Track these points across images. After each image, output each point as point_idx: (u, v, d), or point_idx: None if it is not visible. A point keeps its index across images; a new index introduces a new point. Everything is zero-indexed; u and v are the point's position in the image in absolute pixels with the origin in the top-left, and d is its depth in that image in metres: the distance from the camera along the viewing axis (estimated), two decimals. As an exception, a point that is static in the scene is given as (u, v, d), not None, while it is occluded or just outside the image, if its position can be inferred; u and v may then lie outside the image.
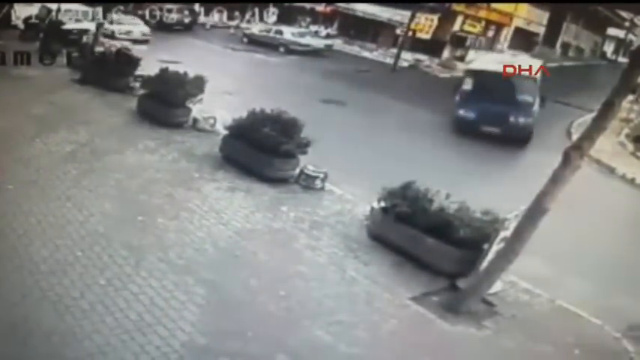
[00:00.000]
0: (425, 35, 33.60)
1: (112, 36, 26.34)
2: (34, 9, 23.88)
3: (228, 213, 9.80)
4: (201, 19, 37.97)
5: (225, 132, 12.39)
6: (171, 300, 7.31)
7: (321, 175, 11.34)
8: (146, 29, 29.07)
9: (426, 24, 33.89)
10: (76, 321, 6.76)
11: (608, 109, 7.56)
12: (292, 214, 10.09)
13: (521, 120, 17.01)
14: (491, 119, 17.02)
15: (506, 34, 40.65)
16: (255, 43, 33.03)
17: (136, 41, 25.91)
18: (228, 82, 19.68)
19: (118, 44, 21.06)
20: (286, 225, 9.68)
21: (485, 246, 8.09)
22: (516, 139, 16.99)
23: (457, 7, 34.57)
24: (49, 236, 8.38)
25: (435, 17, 33.83)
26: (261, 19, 40.24)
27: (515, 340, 7.52)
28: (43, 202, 9.31)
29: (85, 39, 20.32)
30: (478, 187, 11.51)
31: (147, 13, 33.10)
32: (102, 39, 20.96)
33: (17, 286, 7.21)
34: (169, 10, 33.88)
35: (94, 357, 6.30)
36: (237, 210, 9.97)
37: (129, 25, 28.77)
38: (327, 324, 7.23)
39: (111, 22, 28.20)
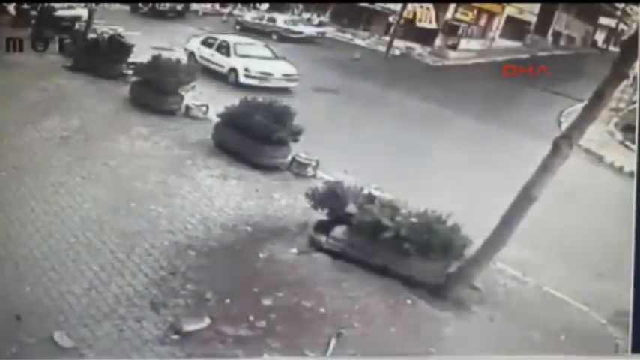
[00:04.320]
0: (426, 24, 33.45)
1: (230, 79, 14.26)
2: (26, -5, 23.64)
3: (221, 200, 9.85)
4: (194, 6, 37.67)
5: (217, 119, 12.41)
6: (164, 287, 7.39)
7: (313, 163, 11.40)
8: (290, 68, 15.41)
9: (422, 12, 33.76)
10: (69, 307, 6.83)
11: (598, 99, 7.63)
12: (284, 201, 10.16)
13: None
14: None
15: (498, 22, 40.56)
16: (248, 30, 32.78)
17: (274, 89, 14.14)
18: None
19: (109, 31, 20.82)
20: (278, 212, 9.75)
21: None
22: None
23: (449, -6, 34.44)
24: (43, 222, 8.41)
25: (431, 5, 33.73)
26: (254, 6, 39.95)
27: (503, 325, 7.65)
28: (37, 189, 9.32)
29: (77, 25, 20.19)
30: (468, 171, 11.57)
31: (140, 0, 32.80)
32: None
33: (11, 272, 7.27)
34: (162, -3, 33.58)
35: (87, 342, 6.38)
36: (230, 197, 10.02)
37: (263, 61, 15.17)
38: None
39: (224, 51, 15.22)
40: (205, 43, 15.85)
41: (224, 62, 14.70)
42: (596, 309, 8.19)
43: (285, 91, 14.18)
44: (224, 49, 15.25)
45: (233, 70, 14.37)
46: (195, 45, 16.01)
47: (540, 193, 7.67)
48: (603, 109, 8.06)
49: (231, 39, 15.93)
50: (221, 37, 15.91)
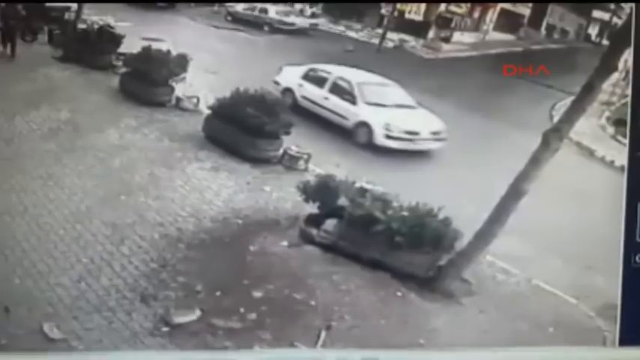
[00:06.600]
0: (414, 16, 33.39)
1: (358, 138, 10.37)
2: (15, -16, 23.43)
3: (211, 193, 9.83)
4: (186, -5, 37.51)
5: (208, 111, 12.37)
6: (154, 279, 7.39)
7: (305, 156, 11.37)
8: (437, 123, 11.05)
9: (413, 4, 33.69)
10: (59, 299, 6.82)
11: (588, 92, 7.64)
12: (275, 194, 10.15)
13: None
14: None
15: (492, 15, 40.54)
16: (239, 21, 32.59)
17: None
18: (212, 61, 19.52)
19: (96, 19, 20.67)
20: (269, 205, 9.73)
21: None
22: None
23: (443, -14, 34.38)
24: (32, 214, 8.38)
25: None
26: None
27: (492, 318, 7.69)
28: (25, 181, 9.27)
29: (67, 16, 20.03)
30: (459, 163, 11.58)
31: (130, -11, 32.58)
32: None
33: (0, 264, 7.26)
34: (152, -14, 33.35)
35: (76, 334, 6.37)
36: (220, 190, 10.00)
37: (403, 112, 10.85)
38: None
39: (346, 95, 10.97)
40: (310, 77, 11.41)
41: (348, 112, 10.34)
42: (585, 302, 8.25)
43: (423, 154, 10.04)
44: (345, 92, 10.66)
45: (364, 125, 10.06)
46: (293, 79, 11.69)
47: (530, 186, 7.69)
48: (593, 102, 8.07)
49: (353, 76, 11.07)
50: (335, 72, 11.23)
